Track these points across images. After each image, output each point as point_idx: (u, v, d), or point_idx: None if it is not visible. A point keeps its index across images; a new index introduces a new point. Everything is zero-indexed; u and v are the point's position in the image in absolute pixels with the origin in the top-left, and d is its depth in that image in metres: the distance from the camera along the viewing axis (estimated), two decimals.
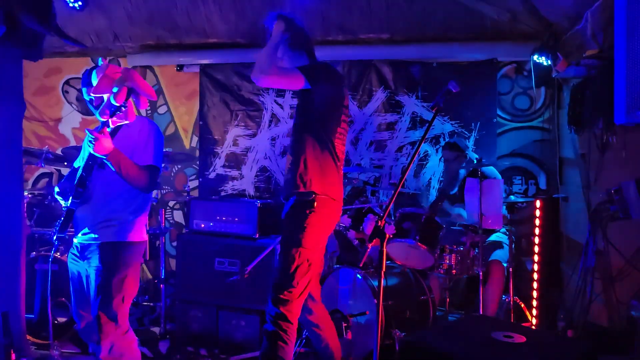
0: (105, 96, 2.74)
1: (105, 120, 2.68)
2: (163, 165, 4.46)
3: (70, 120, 5.65)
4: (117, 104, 2.65)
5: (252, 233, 4.14)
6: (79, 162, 3.08)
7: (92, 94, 2.78)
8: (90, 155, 2.77)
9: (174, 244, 5.02)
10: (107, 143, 2.66)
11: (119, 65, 5.43)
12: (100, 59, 2.87)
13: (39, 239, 4.46)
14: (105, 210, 2.86)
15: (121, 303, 2.82)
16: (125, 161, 2.73)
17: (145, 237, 3.01)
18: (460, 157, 4.09)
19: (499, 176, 4.08)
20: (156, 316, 4.63)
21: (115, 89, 2.66)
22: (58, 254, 4.02)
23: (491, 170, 4.08)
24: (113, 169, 2.72)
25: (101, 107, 2.74)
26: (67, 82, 5.64)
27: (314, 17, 4.47)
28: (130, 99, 2.74)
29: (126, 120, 2.79)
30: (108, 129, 2.70)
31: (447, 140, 4.34)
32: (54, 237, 2.84)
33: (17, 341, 3.54)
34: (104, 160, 2.70)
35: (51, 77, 5.65)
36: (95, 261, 2.83)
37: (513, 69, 4.66)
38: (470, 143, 4.60)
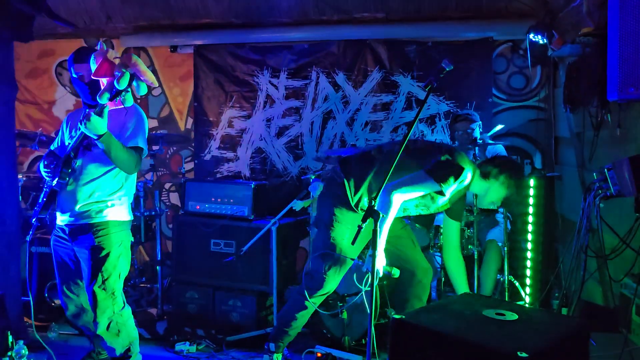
0: (104, 80, 2.74)
1: (103, 103, 2.68)
2: (157, 148, 4.49)
3: (64, 102, 5.62)
4: (120, 89, 2.65)
5: (248, 214, 4.15)
6: (56, 144, 3.11)
7: (92, 77, 2.78)
8: (79, 136, 2.78)
9: (170, 225, 5.03)
10: (103, 124, 2.69)
11: (112, 46, 5.41)
12: (99, 42, 2.84)
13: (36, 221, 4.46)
14: (95, 192, 2.92)
15: (118, 279, 2.93)
16: (117, 144, 2.78)
17: (131, 216, 3.11)
18: (471, 125, 4.03)
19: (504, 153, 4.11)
20: (153, 297, 4.66)
21: (117, 74, 2.66)
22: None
23: (500, 148, 4.11)
24: (103, 149, 2.75)
25: (101, 90, 2.73)
26: (60, 64, 5.59)
27: None
28: (132, 84, 2.75)
29: (122, 105, 2.79)
30: (104, 107, 2.70)
31: (459, 113, 4.26)
32: (33, 219, 2.88)
33: (14, 323, 3.56)
34: (96, 141, 2.72)
35: (44, 59, 5.61)
36: (89, 241, 2.89)
37: (509, 48, 4.63)
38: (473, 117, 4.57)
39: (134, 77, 2.71)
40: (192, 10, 4.73)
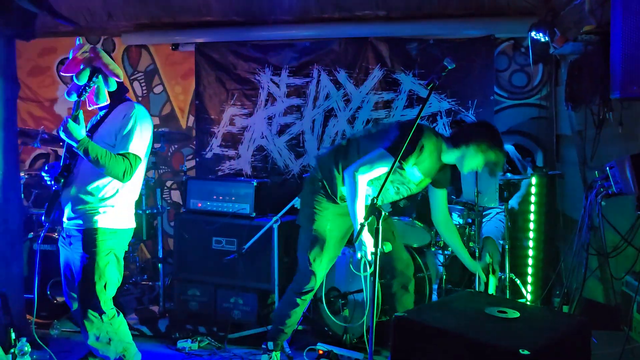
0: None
1: (73, 100, 2.69)
2: (158, 146, 4.49)
3: (66, 100, 5.49)
4: (80, 84, 2.65)
5: (249, 212, 4.16)
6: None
7: (61, 73, 2.79)
8: None
9: (172, 223, 5.03)
10: (76, 131, 2.64)
11: (114, 44, 5.42)
12: (78, 38, 2.83)
13: (37, 219, 4.48)
14: (89, 196, 2.83)
15: (103, 290, 2.81)
16: (96, 151, 2.68)
17: (131, 225, 2.98)
18: None
19: (516, 153, 4.14)
20: (155, 295, 4.67)
21: (80, 68, 2.66)
22: (56, 234, 4.02)
23: (509, 148, 4.13)
24: (83, 157, 2.70)
25: (68, 87, 2.75)
26: (61, 62, 5.59)
27: None
28: (99, 80, 2.73)
29: (98, 102, 2.78)
30: (79, 113, 2.68)
31: (450, 119, 4.31)
32: (42, 218, 2.87)
33: (17, 320, 3.57)
34: (75, 148, 2.69)
35: (45, 57, 5.61)
36: (79, 247, 2.82)
37: (510, 46, 4.62)
38: (468, 120, 4.58)
39: (98, 71, 2.69)
40: (194, 8, 4.72)
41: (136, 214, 4.27)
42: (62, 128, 2.64)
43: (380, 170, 2.91)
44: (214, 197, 4.28)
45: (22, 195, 4.10)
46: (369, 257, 2.86)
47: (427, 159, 2.95)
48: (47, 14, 3.68)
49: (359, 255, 2.90)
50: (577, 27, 3.51)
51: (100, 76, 2.72)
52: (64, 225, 2.93)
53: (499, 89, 4.66)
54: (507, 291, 3.75)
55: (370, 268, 2.89)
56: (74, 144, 2.66)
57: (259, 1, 4.59)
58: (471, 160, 2.94)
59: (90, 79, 2.66)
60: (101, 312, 2.82)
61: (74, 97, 2.67)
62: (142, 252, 5.37)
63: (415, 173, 3.00)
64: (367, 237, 2.84)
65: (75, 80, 2.66)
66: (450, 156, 3.00)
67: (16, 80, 3.77)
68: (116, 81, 2.81)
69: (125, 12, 4.85)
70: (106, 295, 2.84)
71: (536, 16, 4.04)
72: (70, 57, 2.74)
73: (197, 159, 5.25)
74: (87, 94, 2.69)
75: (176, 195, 5.42)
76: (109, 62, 2.74)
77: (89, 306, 2.81)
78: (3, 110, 3.64)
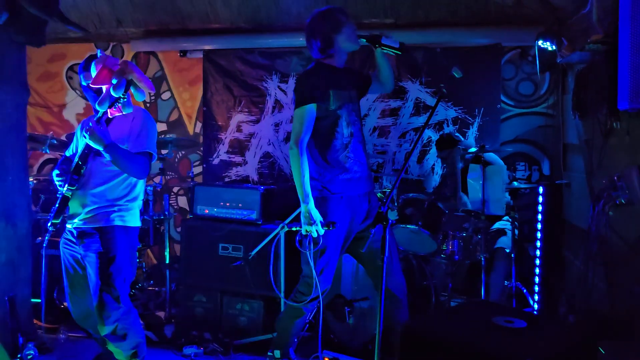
0: (104, 87, 2.80)
1: (104, 110, 2.74)
2: (166, 152, 4.52)
3: (75, 106, 5.67)
4: (117, 96, 2.70)
5: (256, 219, 4.16)
6: (71, 151, 3.15)
7: (91, 85, 2.85)
8: (87, 143, 2.82)
9: (179, 229, 5.05)
10: (106, 134, 2.76)
11: (122, 51, 5.45)
12: (99, 50, 2.91)
13: (45, 224, 4.50)
14: (103, 197, 2.95)
15: (123, 283, 2.96)
16: (121, 151, 2.83)
17: (140, 222, 3.14)
18: (454, 151, 3.99)
19: (501, 162, 4.07)
20: (161, 301, 4.68)
21: (114, 81, 2.71)
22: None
23: (493, 157, 4.09)
24: (109, 159, 2.81)
25: (100, 97, 2.79)
26: (70, 68, 5.64)
27: (317, 1, 4.45)
28: (130, 90, 2.80)
29: (124, 111, 2.85)
30: (101, 117, 2.75)
31: (440, 136, 4.24)
32: (49, 224, 2.92)
33: (24, 325, 3.59)
34: (102, 152, 2.79)
35: (55, 63, 5.66)
36: (95, 245, 2.92)
37: (517, 54, 4.63)
38: (473, 129, 4.58)
39: (131, 83, 2.76)
40: (202, 15, 4.76)
41: (143, 220, 4.33)
42: (88, 134, 2.72)
43: (309, 122, 2.97)
44: (221, 203, 4.29)
45: (31, 200, 4.12)
46: (315, 234, 2.87)
47: (326, 77, 3.05)
48: (57, 21, 3.71)
49: (304, 231, 2.89)
50: (584, 37, 3.51)
51: (132, 87, 2.80)
52: (74, 226, 3.00)
53: (506, 97, 4.66)
54: (514, 300, 3.74)
55: (315, 245, 2.90)
56: (101, 148, 2.76)
57: (266, 8, 4.62)
58: (346, 42, 3.11)
59: (126, 91, 2.74)
60: (119, 305, 2.93)
61: (105, 107, 2.73)
62: (149, 257, 5.38)
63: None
64: (314, 212, 2.86)
65: (112, 93, 2.72)
66: (336, 60, 3.15)
67: (26, 86, 3.81)
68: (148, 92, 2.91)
69: (134, 18, 4.89)
70: (124, 289, 2.97)
71: (543, 25, 4.05)
72: (97, 69, 2.80)
73: (204, 165, 5.28)
74: (118, 105, 2.76)
75: (183, 201, 5.43)
76: (140, 74, 2.85)
77: (108, 299, 2.90)
78: (13, 115, 3.68)
